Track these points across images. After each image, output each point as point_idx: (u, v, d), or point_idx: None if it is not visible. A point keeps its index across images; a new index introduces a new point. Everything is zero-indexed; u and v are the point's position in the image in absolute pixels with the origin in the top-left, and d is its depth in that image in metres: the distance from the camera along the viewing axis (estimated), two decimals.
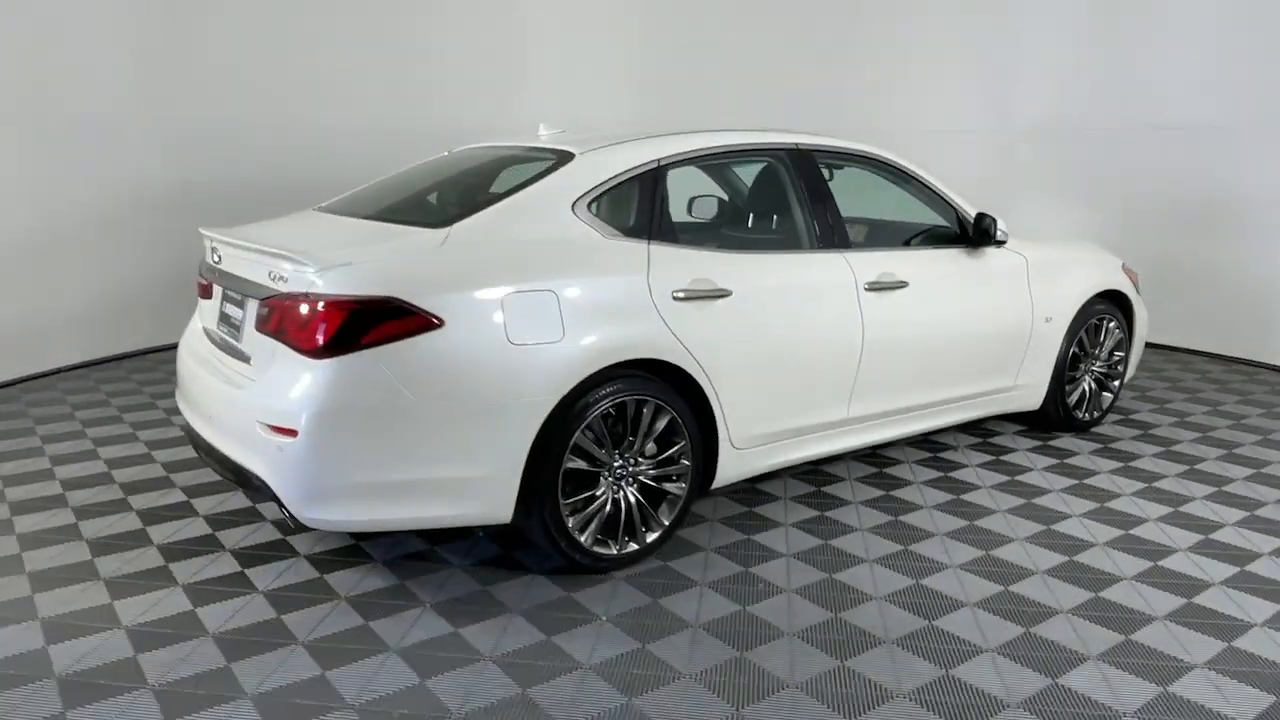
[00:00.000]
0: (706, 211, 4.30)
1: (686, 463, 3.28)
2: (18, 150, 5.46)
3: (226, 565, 3.20)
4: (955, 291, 4.14)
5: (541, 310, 2.95)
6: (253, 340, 3.01)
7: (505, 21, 8.04)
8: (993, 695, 2.49)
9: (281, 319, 2.80)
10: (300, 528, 3.42)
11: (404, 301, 2.76)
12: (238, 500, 3.75)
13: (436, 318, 2.78)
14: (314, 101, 6.96)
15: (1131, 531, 3.60)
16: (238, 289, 3.14)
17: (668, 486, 3.29)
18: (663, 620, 2.89)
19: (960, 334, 4.15)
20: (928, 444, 4.57)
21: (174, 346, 3.75)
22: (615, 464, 3.17)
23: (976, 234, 4.21)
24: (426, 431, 2.82)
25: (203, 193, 6.38)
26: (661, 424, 3.21)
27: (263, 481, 2.82)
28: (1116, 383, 4.94)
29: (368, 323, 2.72)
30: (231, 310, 3.21)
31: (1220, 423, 5.08)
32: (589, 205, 3.27)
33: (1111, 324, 4.82)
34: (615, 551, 3.18)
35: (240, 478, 3.00)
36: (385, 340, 2.74)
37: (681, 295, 3.25)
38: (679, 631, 2.82)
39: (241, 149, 6.58)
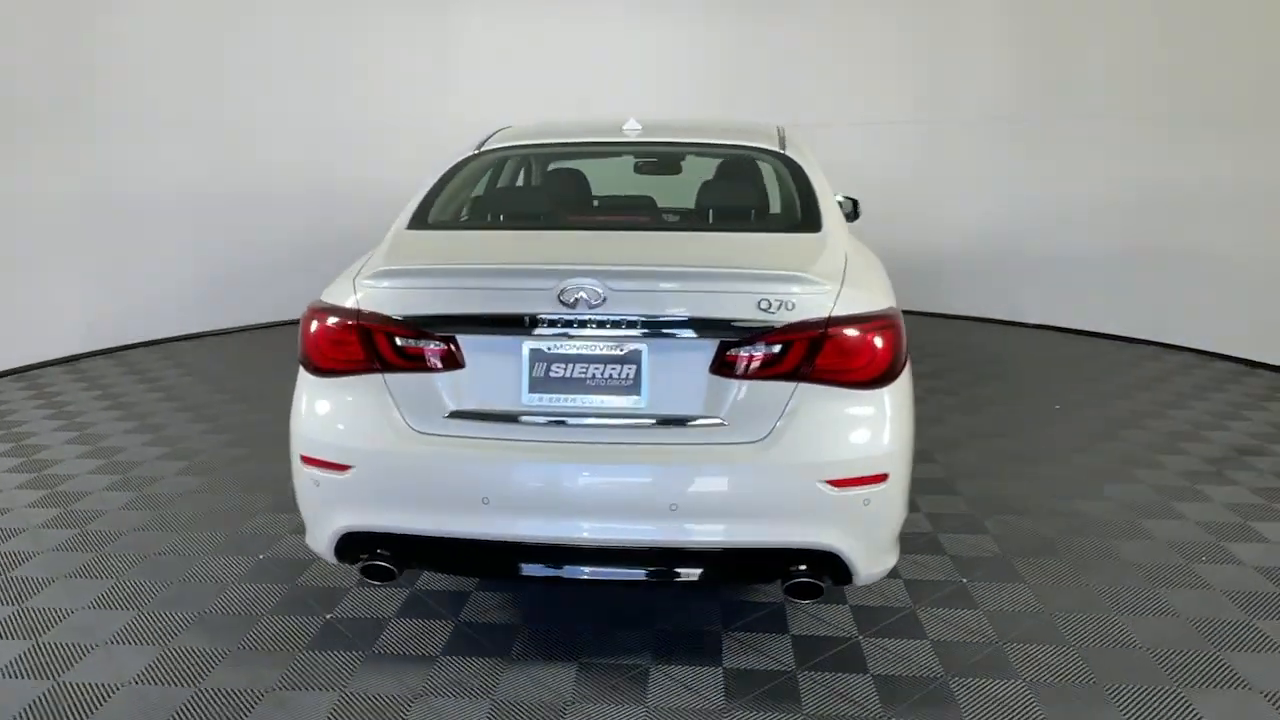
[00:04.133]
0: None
1: None
2: None
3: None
4: None
5: None
6: (702, 394, 2.36)
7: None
8: None
9: (806, 353, 2.32)
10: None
11: (896, 315, 2.48)
12: None
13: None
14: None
15: None
16: (630, 335, 2.35)
17: None
18: None
19: None
20: None
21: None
22: None
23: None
24: None
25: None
26: None
27: (821, 551, 2.37)
28: None
29: (900, 341, 2.44)
30: (591, 370, 2.39)
31: None
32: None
33: None
34: None
35: (745, 565, 2.50)
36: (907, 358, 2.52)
37: None
38: None
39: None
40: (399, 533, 2.44)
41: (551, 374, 2.38)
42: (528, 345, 2.38)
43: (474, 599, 3.07)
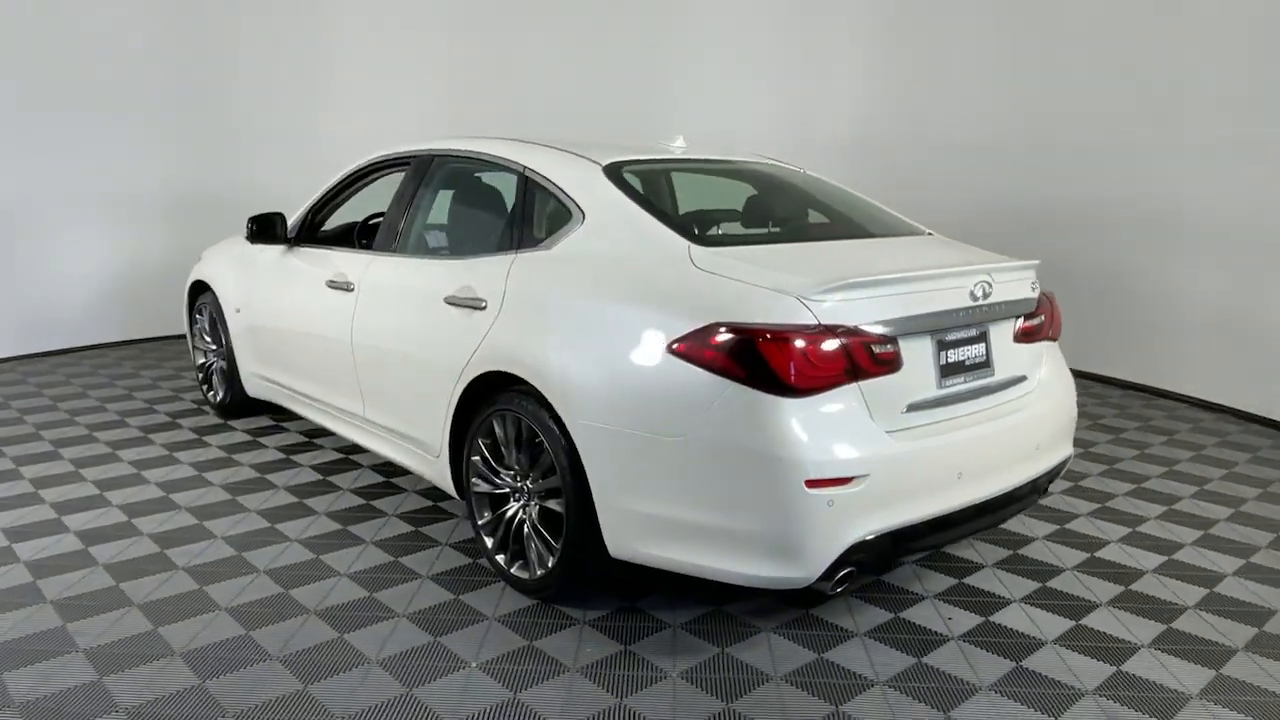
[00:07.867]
0: None
1: None
2: None
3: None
4: None
5: None
6: (1015, 359, 3.10)
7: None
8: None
9: (1047, 320, 3.23)
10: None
11: None
12: None
13: None
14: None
15: None
16: (990, 318, 3.00)
17: None
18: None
19: None
20: None
21: None
22: None
23: None
24: None
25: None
26: None
27: (1061, 464, 3.23)
28: None
29: None
30: (966, 352, 2.93)
31: None
32: None
33: None
34: None
35: (1034, 489, 3.13)
36: None
37: None
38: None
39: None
40: (897, 529, 2.61)
41: (949, 359, 2.85)
42: (935, 338, 2.81)
43: None
